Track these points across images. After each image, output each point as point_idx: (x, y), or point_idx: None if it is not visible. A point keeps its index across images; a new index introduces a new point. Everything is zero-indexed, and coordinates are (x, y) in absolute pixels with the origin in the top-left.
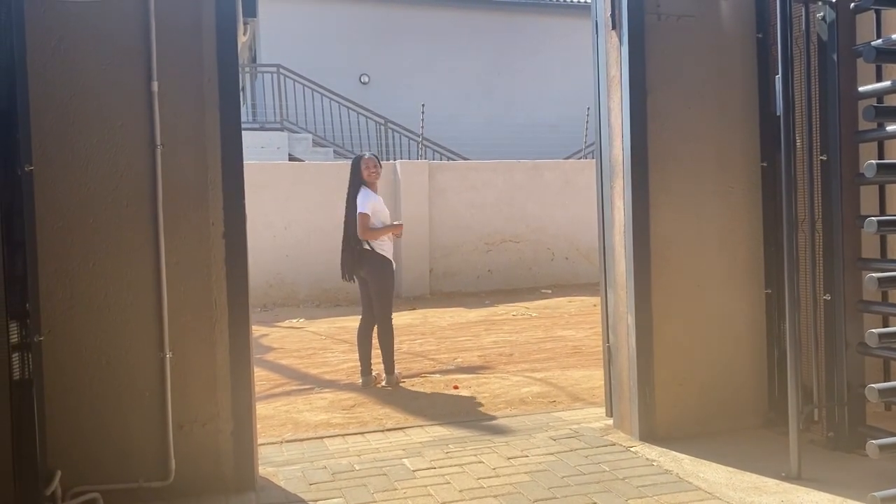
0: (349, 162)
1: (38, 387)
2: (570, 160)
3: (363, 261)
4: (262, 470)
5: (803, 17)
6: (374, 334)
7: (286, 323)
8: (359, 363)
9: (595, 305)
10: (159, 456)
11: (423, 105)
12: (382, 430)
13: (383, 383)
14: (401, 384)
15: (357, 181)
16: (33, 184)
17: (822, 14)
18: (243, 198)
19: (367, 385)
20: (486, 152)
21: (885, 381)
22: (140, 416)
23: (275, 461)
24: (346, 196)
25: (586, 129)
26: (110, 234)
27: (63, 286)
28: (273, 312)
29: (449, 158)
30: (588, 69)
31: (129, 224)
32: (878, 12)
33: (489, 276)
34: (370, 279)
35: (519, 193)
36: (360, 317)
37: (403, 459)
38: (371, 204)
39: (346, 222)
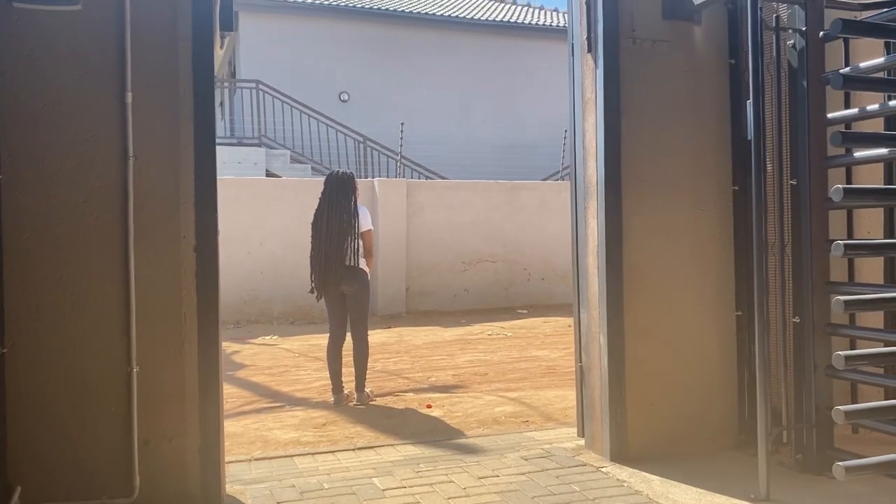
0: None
1: (0, 400)
2: (547, 181)
3: (353, 276)
4: (230, 488)
5: (774, 44)
6: (344, 352)
7: (259, 339)
8: (330, 381)
9: (570, 326)
10: (123, 472)
11: (402, 124)
12: (353, 449)
13: (355, 401)
14: (372, 402)
15: (353, 195)
16: (1, 194)
17: (792, 42)
18: (216, 211)
19: (339, 403)
20: (464, 172)
21: (852, 404)
22: (105, 431)
23: (242, 479)
24: (330, 206)
25: (563, 151)
26: (79, 245)
27: (28, 298)
28: (246, 328)
29: (427, 177)
30: (566, 91)
31: (98, 236)
32: (846, 41)
33: (466, 295)
34: (356, 296)
35: (496, 213)
36: (330, 336)
37: (373, 479)
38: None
39: (336, 233)
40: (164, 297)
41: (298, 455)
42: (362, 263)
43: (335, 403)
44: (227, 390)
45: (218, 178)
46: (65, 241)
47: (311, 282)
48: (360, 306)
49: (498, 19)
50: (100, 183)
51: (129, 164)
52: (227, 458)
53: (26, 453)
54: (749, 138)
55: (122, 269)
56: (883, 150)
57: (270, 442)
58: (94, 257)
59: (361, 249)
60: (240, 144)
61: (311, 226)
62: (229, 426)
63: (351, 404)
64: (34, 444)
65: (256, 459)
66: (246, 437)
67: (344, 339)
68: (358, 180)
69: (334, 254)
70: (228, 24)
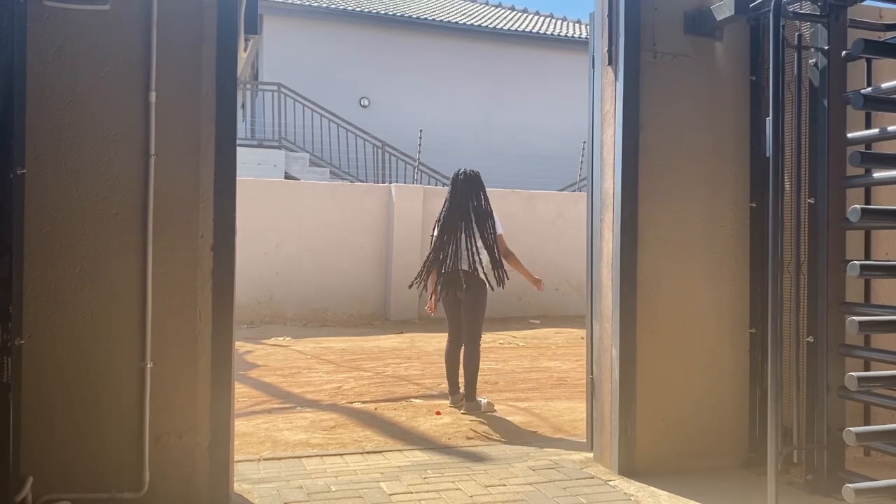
0: (345, 183)
1: (16, 391)
2: (563, 192)
3: (468, 282)
4: (238, 486)
5: (795, 62)
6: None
7: (272, 340)
8: (446, 383)
9: (583, 338)
10: (133, 467)
11: (420, 130)
12: (362, 453)
13: (463, 410)
14: (492, 412)
15: (482, 195)
16: (24, 187)
17: (814, 60)
18: (234, 211)
19: (455, 403)
20: None
21: (865, 426)
22: (117, 426)
23: (251, 478)
24: (450, 202)
25: (581, 162)
26: (98, 241)
27: (47, 291)
28: (260, 329)
29: (444, 184)
30: (586, 103)
31: (117, 232)
32: (868, 61)
33: None
34: (471, 301)
35: (512, 223)
36: (448, 338)
37: (381, 483)
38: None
39: (460, 230)
40: (180, 294)
41: (307, 457)
42: (481, 272)
43: (451, 404)
44: (239, 390)
45: (237, 178)
46: (84, 236)
47: (419, 277)
48: (475, 313)
49: (521, 29)
50: (121, 180)
51: (151, 163)
52: (236, 457)
53: (39, 445)
54: (767, 155)
55: (139, 266)
56: None
57: (280, 442)
58: (113, 253)
59: (485, 256)
60: (260, 146)
61: (435, 226)
62: (240, 425)
63: (461, 412)
64: (47, 435)
65: (265, 459)
66: (256, 436)
67: (461, 343)
68: (380, 186)
69: (459, 254)
70: (252, 28)
